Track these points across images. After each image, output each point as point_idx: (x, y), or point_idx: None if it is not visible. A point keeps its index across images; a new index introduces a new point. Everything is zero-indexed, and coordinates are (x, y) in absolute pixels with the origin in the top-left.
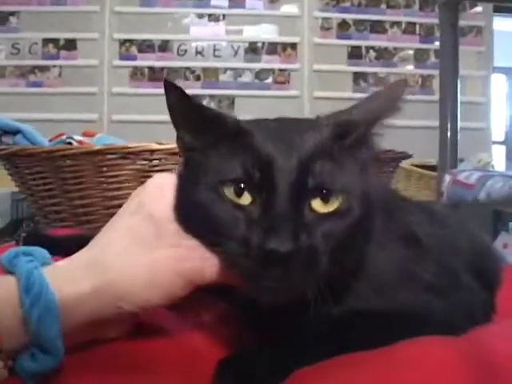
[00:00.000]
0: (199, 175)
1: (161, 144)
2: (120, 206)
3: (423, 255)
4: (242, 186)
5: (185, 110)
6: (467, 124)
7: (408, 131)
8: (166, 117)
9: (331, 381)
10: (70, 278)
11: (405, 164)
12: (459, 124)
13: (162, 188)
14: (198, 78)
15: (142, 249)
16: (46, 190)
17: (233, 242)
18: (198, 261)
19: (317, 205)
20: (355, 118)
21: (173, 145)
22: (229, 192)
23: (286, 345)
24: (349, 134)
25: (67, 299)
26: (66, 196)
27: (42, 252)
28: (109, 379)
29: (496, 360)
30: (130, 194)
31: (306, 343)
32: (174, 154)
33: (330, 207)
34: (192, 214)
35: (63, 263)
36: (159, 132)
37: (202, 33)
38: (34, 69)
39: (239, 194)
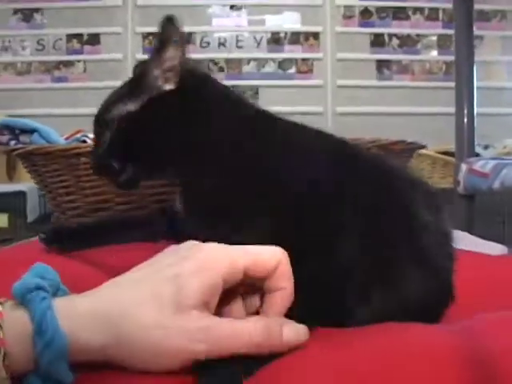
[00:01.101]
0: None
1: None
2: (134, 201)
3: None
4: None
5: None
6: (492, 110)
7: (432, 118)
8: None
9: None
10: (82, 327)
11: (429, 151)
12: (477, 110)
13: (206, 267)
14: (221, 70)
15: (159, 320)
16: (62, 186)
17: None
18: (208, 345)
19: None
20: None
21: None
22: None
23: None
24: None
25: (78, 346)
26: (82, 192)
27: (53, 276)
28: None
29: (495, 354)
30: (144, 189)
31: None
32: None
33: None
34: None
35: (80, 303)
36: None
37: (224, 24)
38: (58, 64)
39: None
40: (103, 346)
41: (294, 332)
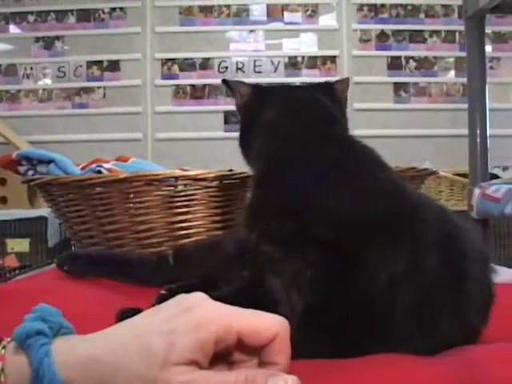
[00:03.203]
0: None
1: (185, 170)
2: (148, 230)
3: None
4: None
5: None
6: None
7: (450, 140)
8: (209, 133)
9: None
10: (78, 373)
11: (447, 173)
12: (496, 132)
13: (200, 327)
14: None
15: (146, 374)
16: (78, 216)
17: None
18: None
19: None
20: None
21: (196, 171)
22: None
23: None
24: None
25: None
26: (97, 222)
27: (55, 317)
28: None
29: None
30: (156, 218)
31: None
32: (198, 179)
33: None
34: None
35: (79, 348)
36: (202, 148)
37: (241, 48)
38: (79, 91)
39: None
40: None
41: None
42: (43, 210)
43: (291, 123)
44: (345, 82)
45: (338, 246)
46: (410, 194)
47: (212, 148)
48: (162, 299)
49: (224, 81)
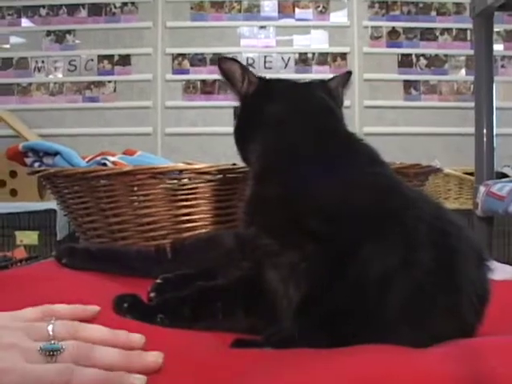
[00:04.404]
0: None
1: (189, 164)
2: (152, 222)
3: None
4: None
5: None
6: None
7: (460, 138)
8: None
9: None
10: None
11: (457, 171)
12: (506, 131)
13: None
14: None
15: None
16: (83, 208)
17: None
18: None
19: None
20: None
21: (200, 165)
22: None
23: None
24: None
25: None
26: (102, 214)
27: None
28: None
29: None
30: (160, 211)
31: None
32: (202, 173)
33: None
34: None
35: None
36: (212, 143)
37: (252, 44)
38: (89, 84)
39: None
40: None
41: None
42: (52, 203)
43: (294, 119)
44: (337, 78)
45: (332, 239)
46: (405, 190)
47: (222, 143)
48: (157, 288)
49: (235, 60)
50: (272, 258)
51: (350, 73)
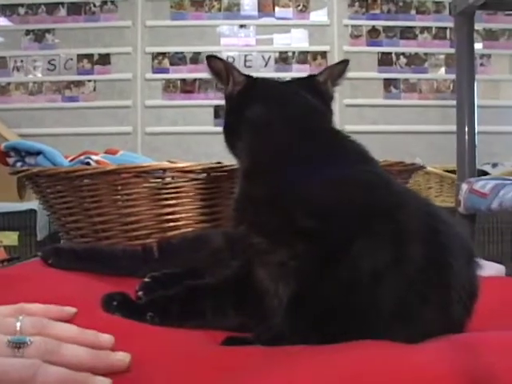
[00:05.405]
0: None
1: (172, 163)
2: (136, 222)
3: None
4: None
5: None
6: (501, 128)
7: (440, 136)
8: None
9: None
10: None
11: (438, 169)
12: (485, 129)
13: None
14: None
15: None
16: (66, 208)
17: None
18: None
19: None
20: None
21: (184, 163)
22: None
23: None
24: None
25: None
26: (85, 213)
27: None
28: None
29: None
30: (144, 210)
31: None
32: (186, 171)
33: None
34: None
35: None
36: (192, 142)
37: (232, 43)
38: (69, 84)
39: None
40: None
41: None
42: (32, 204)
43: (279, 119)
44: (328, 70)
45: (322, 237)
46: (395, 188)
47: (202, 142)
48: (145, 286)
49: (220, 59)
50: (262, 256)
51: (345, 62)
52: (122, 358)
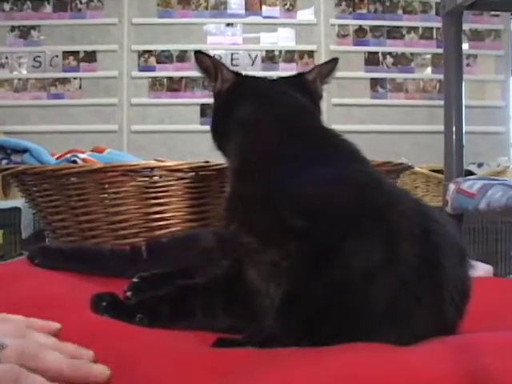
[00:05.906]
0: None
1: (160, 161)
2: (123, 220)
3: None
4: None
5: None
6: (486, 128)
7: (426, 136)
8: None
9: None
10: None
11: (424, 169)
12: (471, 129)
13: None
14: None
15: None
16: (52, 206)
17: None
18: None
19: None
20: None
21: (172, 162)
22: None
23: None
24: None
25: None
26: (72, 212)
27: None
28: None
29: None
30: (131, 209)
31: None
32: (174, 170)
33: None
34: None
35: None
36: (178, 141)
37: (219, 41)
38: (54, 81)
39: None
40: None
41: None
42: (17, 201)
43: (268, 118)
44: (317, 69)
45: (314, 237)
46: (387, 187)
47: (188, 141)
48: (134, 287)
49: (208, 56)
50: (253, 256)
51: (334, 60)
52: (101, 369)
